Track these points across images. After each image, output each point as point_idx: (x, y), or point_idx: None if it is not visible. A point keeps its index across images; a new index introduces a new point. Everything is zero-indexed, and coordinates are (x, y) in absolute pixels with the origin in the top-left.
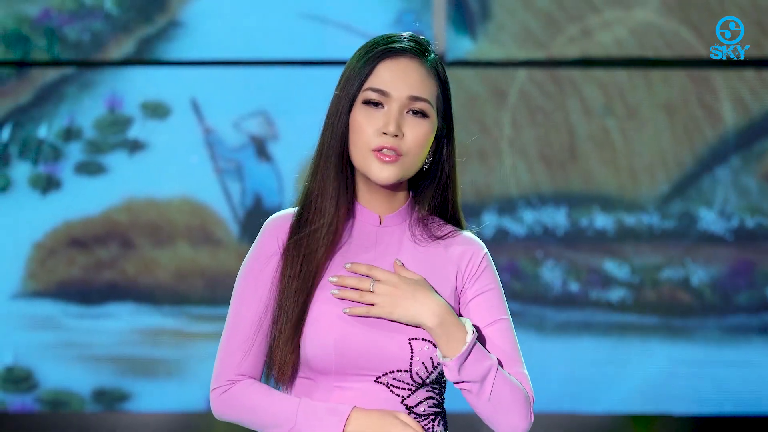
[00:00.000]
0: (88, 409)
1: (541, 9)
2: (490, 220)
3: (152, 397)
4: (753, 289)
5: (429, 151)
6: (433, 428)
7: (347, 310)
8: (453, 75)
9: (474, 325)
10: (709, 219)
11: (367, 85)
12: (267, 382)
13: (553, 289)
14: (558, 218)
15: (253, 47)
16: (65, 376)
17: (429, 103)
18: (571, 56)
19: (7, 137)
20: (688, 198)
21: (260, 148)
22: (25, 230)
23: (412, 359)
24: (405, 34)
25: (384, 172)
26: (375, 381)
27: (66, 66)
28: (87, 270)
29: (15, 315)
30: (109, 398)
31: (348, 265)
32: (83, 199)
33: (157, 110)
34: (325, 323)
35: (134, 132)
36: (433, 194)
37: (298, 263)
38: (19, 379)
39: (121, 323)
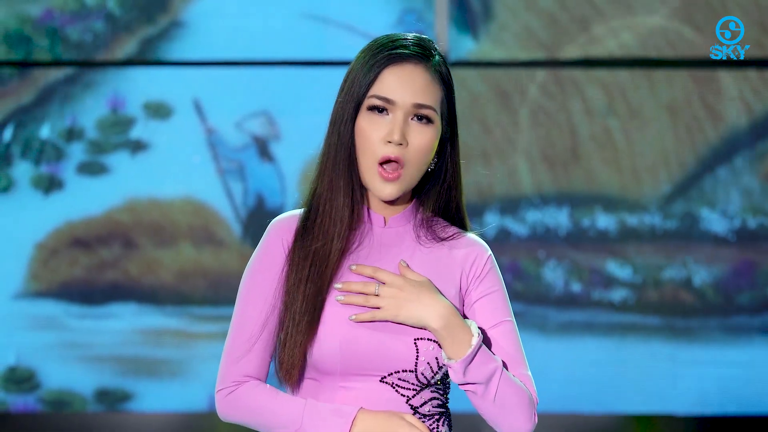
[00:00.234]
0: (91, 409)
1: (543, 9)
2: (492, 221)
3: (155, 398)
4: (755, 289)
5: (432, 156)
6: (437, 428)
7: (353, 317)
8: (455, 75)
9: (479, 327)
10: (711, 219)
11: (372, 92)
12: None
13: (556, 290)
14: (560, 218)
15: (256, 47)
16: (68, 376)
17: (433, 109)
18: (573, 56)
19: (9, 137)
20: (691, 198)
21: (262, 149)
22: (27, 230)
23: (417, 359)
24: (409, 36)
25: (386, 190)
26: (380, 381)
27: (68, 66)
28: (89, 270)
29: (17, 315)
30: (111, 398)
31: (353, 267)
32: (86, 200)
33: (159, 110)
34: (331, 325)
35: (136, 132)
36: (438, 195)
37: (306, 267)
38: (22, 380)
39: (123, 323)
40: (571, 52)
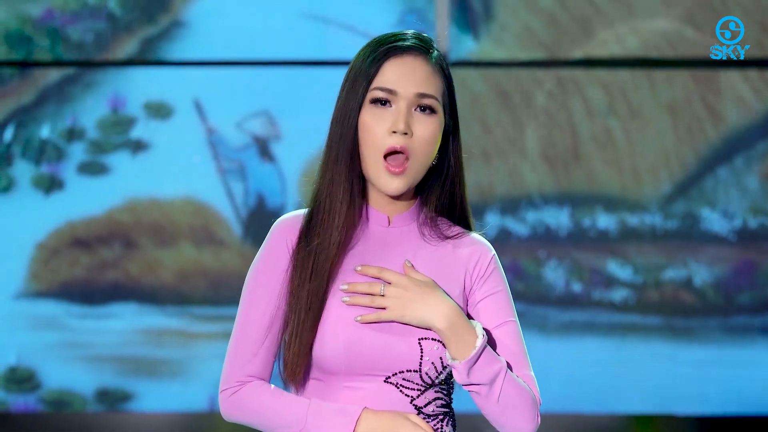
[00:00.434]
0: (91, 409)
1: (544, 9)
2: (492, 220)
3: (155, 398)
4: (755, 289)
5: (436, 150)
6: (441, 429)
7: (359, 318)
8: (455, 75)
9: (483, 328)
10: (711, 219)
11: (374, 84)
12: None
13: (556, 290)
14: (561, 218)
15: (256, 47)
16: (68, 376)
17: (436, 99)
18: (573, 56)
19: (9, 137)
20: (691, 198)
21: (263, 149)
22: (27, 230)
23: (421, 359)
24: (408, 31)
25: (392, 185)
26: (384, 381)
27: (69, 66)
28: (90, 270)
29: (18, 315)
30: (112, 398)
31: (358, 268)
32: (86, 200)
33: (160, 110)
34: (335, 324)
35: (137, 132)
36: (441, 191)
37: (309, 266)
38: (22, 380)
39: (124, 323)
40: (572, 52)
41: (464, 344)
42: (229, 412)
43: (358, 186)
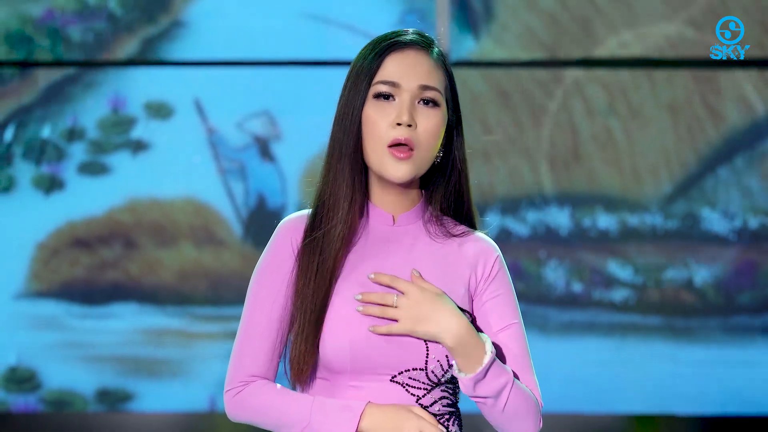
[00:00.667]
0: (92, 409)
1: (544, 9)
2: (493, 220)
3: (155, 398)
4: (756, 289)
5: (440, 144)
6: (447, 428)
7: (371, 328)
8: (456, 75)
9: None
10: (712, 219)
11: (376, 79)
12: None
13: (556, 290)
14: (561, 218)
15: (257, 47)
16: (68, 376)
17: (439, 92)
18: (574, 56)
19: (10, 137)
20: (691, 198)
21: (263, 149)
22: (28, 230)
23: (427, 357)
24: (409, 29)
25: (399, 171)
26: (390, 380)
27: (69, 66)
28: (90, 270)
29: (18, 315)
30: (112, 398)
31: (372, 276)
32: (86, 200)
33: (160, 110)
34: (341, 323)
35: (137, 132)
36: (446, 188)
37: (314, 265)
38: (23, 380)
39: (124, 323)
40: (572, 52)
41: (472, 360)
42: (234, 412)
43: (362, 184)
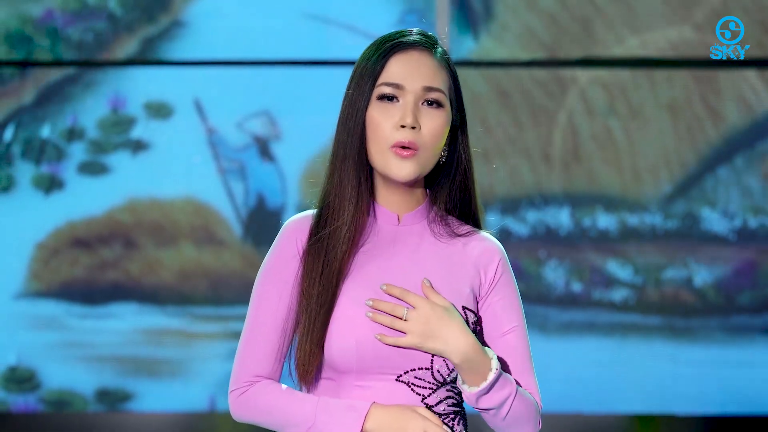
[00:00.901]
0: (92, 409)
1: (544, 9)
2: (493, 220)
3: (155, 398)
4: (756, 289)
5: (444, 144)
6: (452, 427)
7: (378, 336)
8: None
9: (490, 331)
10: (712, 219)
11: (380, 80)
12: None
13: (556, 289)
14: (561, 218)
15: (257, 47)
16: (68, 376)
17: (443, 92)
18: (574, 56)
19: (10, 137)
20: (691, 198)
21: (263, 148)
22: (28, 230)
23: (433, 357)
24: (412, 29)
25: (403, 170)
26: (396, 380)
27: (69, 66)
28: (90, 270)
29: (18, 315)
30: (112, 398)
31: (383, 287)
32: (86, 199)
33: (160, 110)
34: (348, 323)
35: (137, 132)
36: (450, 188)
37: (320, 265)
38: (23, 379)
39: (124, 323)
40: (572, 51)
41: (477, 375)
42: (239, 412)
43: (367, 184)
